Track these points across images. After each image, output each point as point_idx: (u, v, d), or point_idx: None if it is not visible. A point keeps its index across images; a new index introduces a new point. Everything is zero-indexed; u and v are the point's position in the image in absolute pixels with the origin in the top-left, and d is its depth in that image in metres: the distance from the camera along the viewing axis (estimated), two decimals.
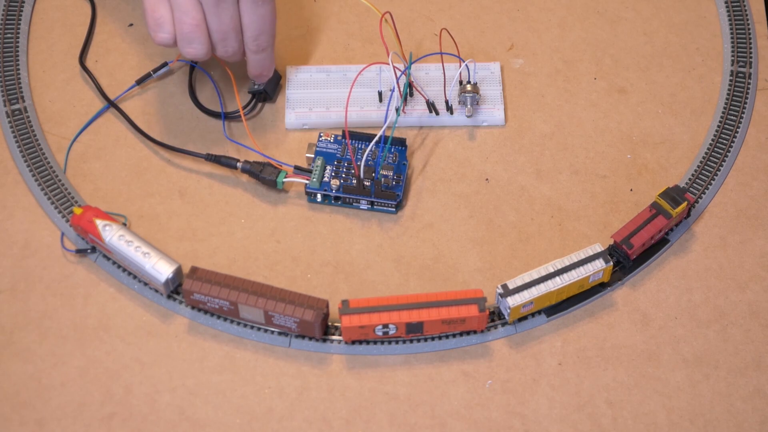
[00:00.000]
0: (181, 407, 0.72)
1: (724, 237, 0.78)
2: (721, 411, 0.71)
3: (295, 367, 0.73)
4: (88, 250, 0.77)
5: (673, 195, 0.76)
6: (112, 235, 0.74)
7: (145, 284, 0.75)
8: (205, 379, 0.73)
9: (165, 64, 0.84)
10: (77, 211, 0.75)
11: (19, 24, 0.87)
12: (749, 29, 0.87)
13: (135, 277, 0.76)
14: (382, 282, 0.76)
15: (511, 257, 0.77)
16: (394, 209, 0.79)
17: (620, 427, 0.71)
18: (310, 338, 0.74)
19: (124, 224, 0.78)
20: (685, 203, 0.76)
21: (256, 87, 0.83)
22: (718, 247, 0.78)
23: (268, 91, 0.83)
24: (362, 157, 0.78)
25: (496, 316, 0.75)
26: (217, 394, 0.72)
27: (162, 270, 0.74)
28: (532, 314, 0.75)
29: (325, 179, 0.79)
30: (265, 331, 0.74)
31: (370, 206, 0.79)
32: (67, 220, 0.78)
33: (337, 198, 0.79)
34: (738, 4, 0.89)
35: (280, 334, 0.74)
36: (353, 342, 0.73)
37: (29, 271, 0.76)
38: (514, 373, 0.73)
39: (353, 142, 0.80)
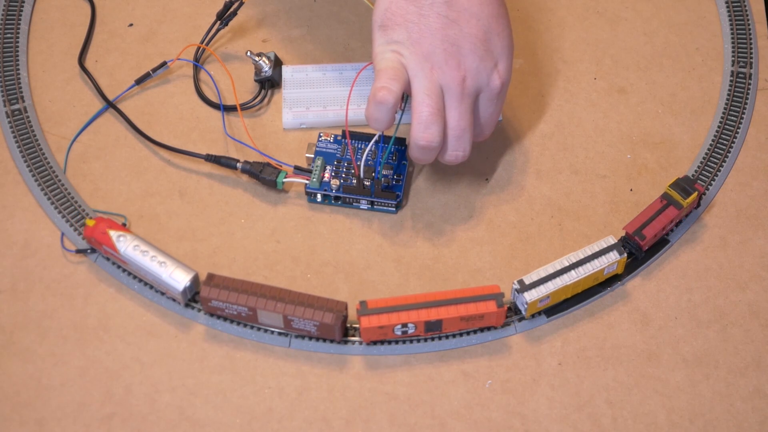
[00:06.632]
0: (181, 407, 0.71)
1: (724, 237, 0.78)
2: (721, 411, 0.71)
3: (295, 367, 0.73)
4: (88, 250, 0.77)
5: (684, 185, 0.76)
6: (126, 245, 0.74)
7: (162, 293, 0.75)
8: (205, 379, 0.72)
9: (164, 64, 0.84)
10: (89, 222, 0.75)
11: (19, 24, 0.87)
12: (749, 29, 0.87)
13: (135, 277, 0.76)
14: (382, 282, 0.76)
15: (511, 257, 0.77)
16: (394, 209, 0.79)
17: (620, 427, 0.71)
18: (310, 338, 0.74)
19: (124, 224, 0.78)
20: (695, 193, 0.76)
21: (263, 74, 0.83)
22: (718, 247, 0.78)
23: (275, 77, 0.83)
24: (362, 157, 0.78)
25: (512, 312, 0.75)
26: (217, 394, 0.72)
27: (179, 279, 0.73)
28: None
29: (325, 179, 0.79)
30: (265, 331, 0.74)
31: (370, 206, 0.79)
32: (67, 220, 0.78)
33: (337, 198, 0.79)
34: (738, 4, 0.89)
35: (280, 334, 0.74)
36: (372, 343, 0.73)
37: (29, 271, 0.76)
38: (514, 373, 0.73)
39: (353, 141, 0.80)
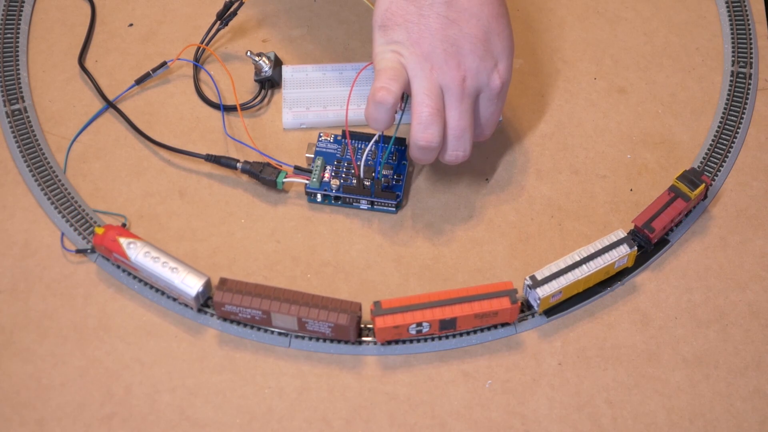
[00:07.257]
0: (181, 407, 0.71)
1: (724, 237, 0.78)
2: (721, 411, 0.71)
3: (295, 367, 0.73)
4: (88, 250, 0.77)
5: (691, 177, 0.76)
6: (137, 252, 0.74)
7: (174, 299, 0.75)
8: (205, 379, 0.72)
9: (164, 64, 0.84)
10: (99, 231, 0.75)
11: (19, 24, 0.87)
12: (749, 29, 0.87)
13: (135, 277, 0.76)
14: (382, 282, 0.76)
15: (511, 257, 0.77)
16: (394, 209, 0.79)
17: (620, 427, 0.71)
18: (311, 338, 0.74)
19: (124, 224, 0.78)
20: (702, 185, 0.76)
21: (263, 74, 0.83)
22: (718, 247, 0.78)
23: (275, 77, 0.83)
24: (362, 157, 0.78)
25: (525, 307, 0.75)
26: (217, 394, 0.72)
27: (191, 284, 0.73)
28: (532, 314, 0.75)
29: (325, 179, 0.79)
30: (265, 331, 0.74)
31: (370, 206, 0.79)
32: (67, 221, 0.78)
33: (337, 198, 0.79)
34: (738, 4, 0.89)
35: (280, 334, 0.74)
36: (387, 342, 0.73)
37: (29, 271, 0.76)
38: (514, 373, 0.73)
39: (353, 141, 0.80)
